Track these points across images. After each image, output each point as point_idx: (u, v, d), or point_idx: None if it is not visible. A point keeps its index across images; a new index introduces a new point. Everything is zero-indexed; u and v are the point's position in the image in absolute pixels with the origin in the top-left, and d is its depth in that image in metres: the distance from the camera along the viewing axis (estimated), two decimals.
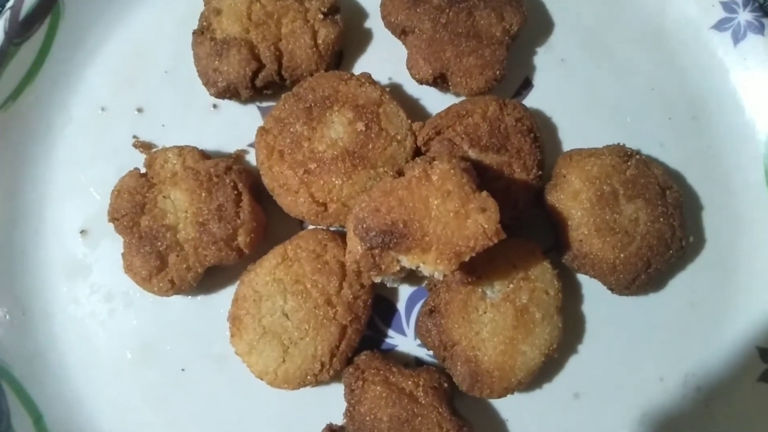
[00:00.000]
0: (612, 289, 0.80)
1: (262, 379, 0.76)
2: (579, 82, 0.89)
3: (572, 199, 0.78)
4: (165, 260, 0.76)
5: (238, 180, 0.78)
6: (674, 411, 0.81)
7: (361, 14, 0.91)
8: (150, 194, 0.78)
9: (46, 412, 0.78)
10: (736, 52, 0.87)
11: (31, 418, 0.77)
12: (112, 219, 0.78)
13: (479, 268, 0.75)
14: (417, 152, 0.81)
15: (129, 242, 0.77)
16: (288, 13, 0.83)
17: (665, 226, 0.78)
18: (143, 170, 0.80)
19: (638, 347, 0.82)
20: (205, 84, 0.83)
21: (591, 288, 0.83)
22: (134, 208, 0.77)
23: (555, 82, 0.89)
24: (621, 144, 0.83)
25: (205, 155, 0.81)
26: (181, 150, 0.80)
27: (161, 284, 0.76)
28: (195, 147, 0.81)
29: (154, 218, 0.77)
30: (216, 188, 0.77)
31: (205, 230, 0.76)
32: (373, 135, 0.79)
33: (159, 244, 0.76)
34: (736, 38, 0.87)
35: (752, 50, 0.86)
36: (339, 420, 0.76)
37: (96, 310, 0.82)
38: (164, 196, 0.78)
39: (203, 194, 0.77)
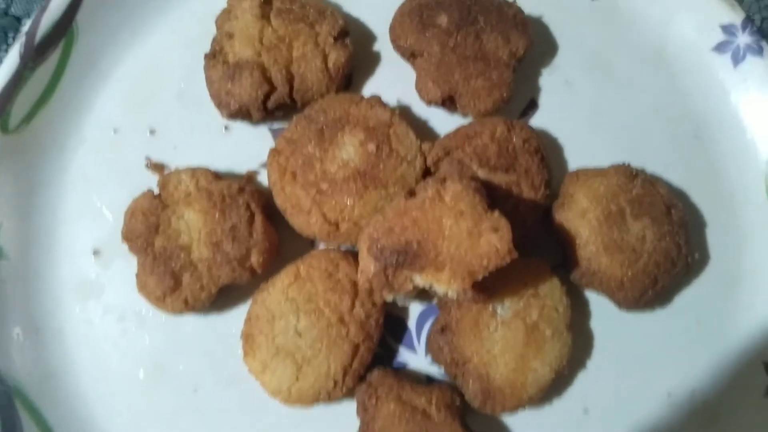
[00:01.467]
0: (620, 305, 0.81)
1: (275, 398, 0.76)
2: (583, 102, 0.91)
3: (580, 217, 0.80)
4: (179, 280, 0.77)
5: (251, 200, 0.80)
6: (682, 425, 0.82)
7: (370, 37, 0.93)
8: (164, 215, 0.79)
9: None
10: (736, 74, 0.90)
11: None
12: (126, 239, 0.79)
13: (490, 286, 0.76)
14: (427, 172, 0.82)
15: (143, 262, 0.77)
16: (299, 37, 0.85)
17: (671, 243, 0.79)
18: (157, 191, 0.81)
19: (646, 362, 0.83)
20: (218, 106, 0.85)
21: (599, 304, 0.84)
22: (148, 229, 0.78)
23: (560, 103, 0.91)
24: (626, 163, 0.85)
25: (217, 176, 0.82)
26: (194, 171, 0.81)
27: (175, 303, 0.77)
28: (208, 168, 0.82)
29: (167, 238, 0.78)
30: (229, 209, 0.79)
31: (218, 250, 0.77)
32: (383, 156, 0.80)
33: (173, 264, 0.77)
34: (736, 60, 0.89)
35: (752, 72, 0.89)
36: None
37: (109, 329, 0.83)
38: (178, 217, 0.79)
39: (217, 215, 0.78)
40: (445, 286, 0.68)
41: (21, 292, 0.82)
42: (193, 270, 0.77)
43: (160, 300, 0.77)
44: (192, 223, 0.79)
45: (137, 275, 0.78)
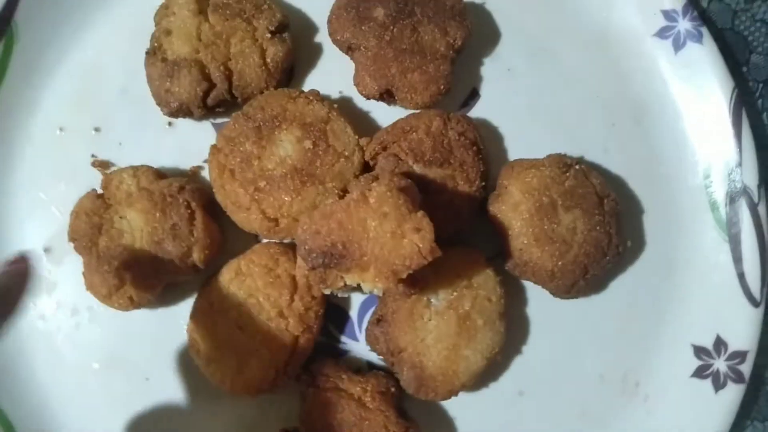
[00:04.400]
0: (553, 294, 0.84)
1: (220, 389, 0.80)
2: (525, 90, 0.92)
3: (513, 210, 0.82)
4: (123, 278, 0.79)
5: (191, 199, 0.82)
6: (614, 405, 0.86)
7: (312, 29, 0.93)
8: (107, 215, 0.81)
9: (18, 424, 0.82)
10: (677, 60, 0.90)
11: (2, 428, 0.82)
12: (72, 240, 0.81)
13: (422, 279, 0.79)
14: (366, 167, 0.84)
15: (88, 262, 0.80)
16: (236, 32, 0.85)
17: (602, 234, 0.81)
18: (100, 191, 0.83)
19: (580, 347, 0.87)
20: (159, 104, 0.86)
21: (535, 292, 0.87)
22: (92, 229, 0.80)
23: (502, 91, 0.91)
24: (563, 153, 0.86)
25: (159, 174, 0.84)
26: (135, 171, 0.83)
27: (121, 301, 0.80)
28: (150, 167, 0.84)
29: (111, 238, 0.80)
30: (170, 208, 0.81)
31: (160, 249, 0.80)
32: (320, 152, 0.82)
33: (116, 263, 0.79)
34: (677, 46, 0.89)
35: (691, 58, 0.88)
36: (294, 423, 0.81)
37: (62, 324, 0.86)
38: (120, 217, 0.81)
39: (158, 214, 0.80)
40: (370, 284, 0.71)
41: None
42: None
43: (106, 298, 0.80)
44: (134, 223, 0.81)
45: (84, 274, 0.80)
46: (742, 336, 0.84)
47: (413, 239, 0.69)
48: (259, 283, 0.80)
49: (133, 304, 0.80)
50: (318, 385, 0.79)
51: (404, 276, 0.70)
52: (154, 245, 0.80)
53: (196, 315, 0.81)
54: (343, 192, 0.80)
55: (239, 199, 0.81)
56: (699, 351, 0.85)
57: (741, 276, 0.85)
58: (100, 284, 0.79)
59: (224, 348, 0.79)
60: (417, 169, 0.82)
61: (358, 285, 0.74)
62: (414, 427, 0.79)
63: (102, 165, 0.88)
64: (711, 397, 0.83)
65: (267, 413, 0.84)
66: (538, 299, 0.87)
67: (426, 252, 0.69)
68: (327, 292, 0.77)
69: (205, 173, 0.89)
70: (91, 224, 0.80)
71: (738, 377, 0.83)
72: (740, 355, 0.83)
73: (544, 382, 0.86)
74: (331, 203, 0.72)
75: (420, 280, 0.77)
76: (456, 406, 0.85)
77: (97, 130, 0.90)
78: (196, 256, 0.81)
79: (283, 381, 0.80)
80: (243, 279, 0.81)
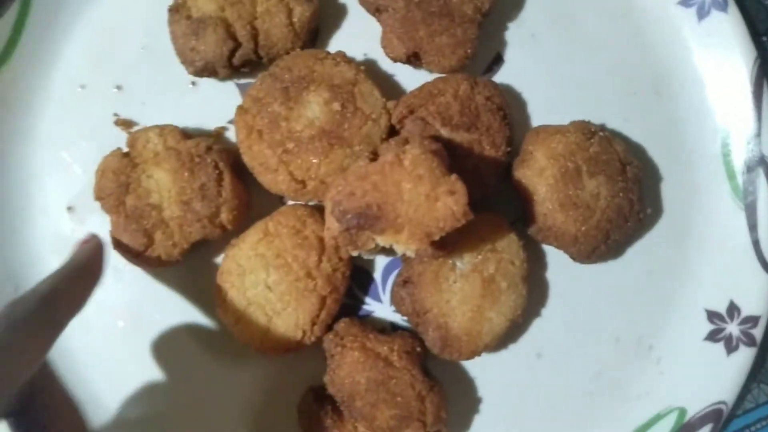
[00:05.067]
0: (574, 259, 0.86)
1: (248, 347, 0.81)
2: (549, 57, 0.92)
3: (538, 175, 0.82)
4: (152, 238, 0.80)
5: (218, 159, 0.81)
6: (628, 367, 0.89)
7: None
8: (134, 174, 0.81)
9: None
10: (700, 28, 0.90)
11: None
12: (98, 198, 0.81)
13: (450, 242, 0.80)
14: (392, 130, 0.84)
15: (116, 221, 0.80)
16: None
17: (624, 200, 0.83)
18: (125, 150, 0.82)
19: (597, 311, 0.89)
20: (183, 63, 0.85)
21: (555, 256, 0.89)
22: (119, 188, 0.80)
23: (525, 57, 0.92)
24: (586, 120, 0.87)
25: (186, 135, 0.83)
26: (162, 129, 0.82)
27: (150, 260, 0.80)
28: (176, 126, 0.83)
29: (138, 197, 0.80)
30: (198, 168, 0.80)
31: (189, 209, 0.80)
32: (348, 114, 0.82)
33: (145, 222, 0.79)
34: (701, 15, 0.90)
35: (715, 27, 0.89)
36: (320, 382, 0.82)
37: None
38: (148, 176, 0.81)
39: (186, 174, 0.80)
40: (404, 246, 0.71)
41: None
42: (164, 228, 0.80)
43: (135, 257, 0.80)
44: (162, 183, 0.81)
45: (111, 234, 0.80)
46: (755, 301, 0.86)
47: (447, 202, 0.70)
48: (287, 243, 0.81)
49: (161, 263, 0.81)
50: (345, 345, 0.80)
51: (437, 238, 0.71)
52: (182, 205, 0.80)
53: (223, 275, 0.82)
54: (373, 155, 0.80)
55: (267, 160, 0.81)
56: (712, 315, 0.88)
57: (755, 243, 0.87)
58: (128, 244, 0.79)
59: (252, 307, 0.80)
60: (444, 133, 0.82)
61: (387, 247, 0.75)
62: (438, 386, 0.81)
63: (125, 124, 0.88)
64: (723, 359, 0.86)
65: (293, 372, 0.85)
66: (557, 264, 0.89)
67: (460, 214, 0.70)
68: (355, 253, 0.78)
69: (230, 134, 0.89)
70: (118, 183, 0.80)
71: (750, 341, 0.86)
72: (753, 320, 0.86)
73: (562, 345, 0.88)
74: (366, 165, 0.72)
75: (448, 243, 0.79)
76: (477, 367, 0.87)
77: (119, 88, 0.89)
78: (225, 217, 0.81)
79: (309, 340, 0.81)
80: (271, 240, 0.81)
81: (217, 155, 0.81)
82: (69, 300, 0.67)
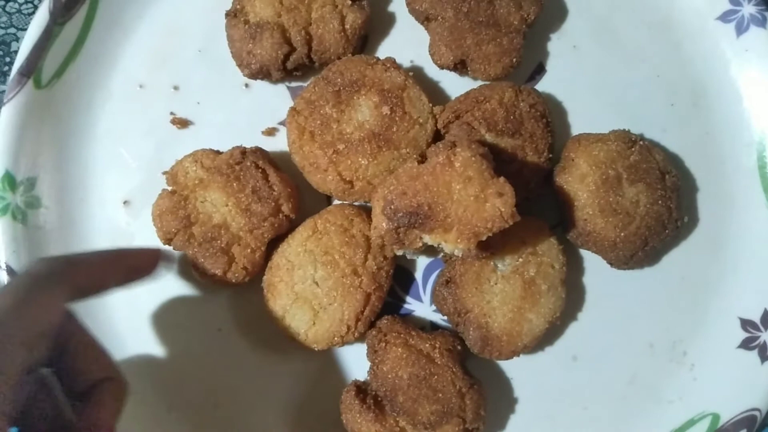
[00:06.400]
0: (611, 264, 0.88)
1: (293, 341, 0.84)
2: (589, 68, 0.95)
3: (579, 181, 0.85)
4: (230, 254, 0.82)
5: (256, 159, 0.84)
6: (661, 373, 0.90)
7: None
8: (188, 205, 0.83)
9: None
10: (738, 43, 0.92)
11: None
12: (166, 242, 0.83)
13: (492, 244, 0.82)
14: (437, 135, 0.87)
15: (193, 254, 0.82)
16: None
17: (663, 208, 0.85)
18: (169, 188, 0.85)
19: (632, 316, 0.91)
20: (239, 65, 0.88)
21: (592, 262, 0.91)
22: (181, 224, 0.82)
23: (567, 67, 0.95)
24: (626, 129, 0.89)
25: (216, 152, 0.86)
26: (193, 156, 0.85)
27: (237, 274, 0.83)
28: (205, 149, 0.86)
29: (203, 224, 0.83)
30: (242, 174, 0.83)
31: (251, 213, 0.83)
32: (397, 118, 0.85)
33: (218, 243, 0.82)
34: (740, 30, 0.92)
35: (753, 42, 0.91)
36: (363, 377, 0.85)
37: None
38: (201, 202, 0.83)
39: (234, 184, 0.83)
40: (452, 245, 0.74)
41: (58, 238, 0.89)
42: (238, 240, 0.83)
43: (223, 278, 0.82)
44: (217, 202, 0.83)
45: (193, 267, 0.83)
46: None
47: (496, 203, 0.73)
48: (335, 241, 0.84)
49: (248, 273, 0.83)
50: (389, 341, 0.83)
51: (484, 238, 0.73)
52: (244, 213, 0.83)
53: (272, 269, 0.85)
54: (420, 157, 0.83)
55: (317, 160, 0.84)
56: (746, 324, 0.89)
57: None
58: (212, 268, 0.81)
59: (300, 301, 0.83)
60: (489, 138, 0.85)
61: (433, 246, 0.78)
62: (478, 384, 0.83)
63: (181, 123, 0.91)
64: (757, 366, 0.87)
65: (337, 367, 0.88)
66: (594, 269, 0.91)
67: (507, 216, 0.73)
68: (400, 252, 0.81)
69: (280, 134, 0.92)
70: (178, 220, 0.82)
71: None
72: None
73: (597, 348, 0.90)
74: (416, 166, 0.75)
75: (492, 245, 0.81)
76: (514, 368, 0.89)
77: (175, 88, 0.92)
78: (286, 207, 0.83)
79: (354, 336, 0.84)
80: (320, 237, 0.84)
81: (252, 156, 0.84)
82: (91, 273, 0.71)
